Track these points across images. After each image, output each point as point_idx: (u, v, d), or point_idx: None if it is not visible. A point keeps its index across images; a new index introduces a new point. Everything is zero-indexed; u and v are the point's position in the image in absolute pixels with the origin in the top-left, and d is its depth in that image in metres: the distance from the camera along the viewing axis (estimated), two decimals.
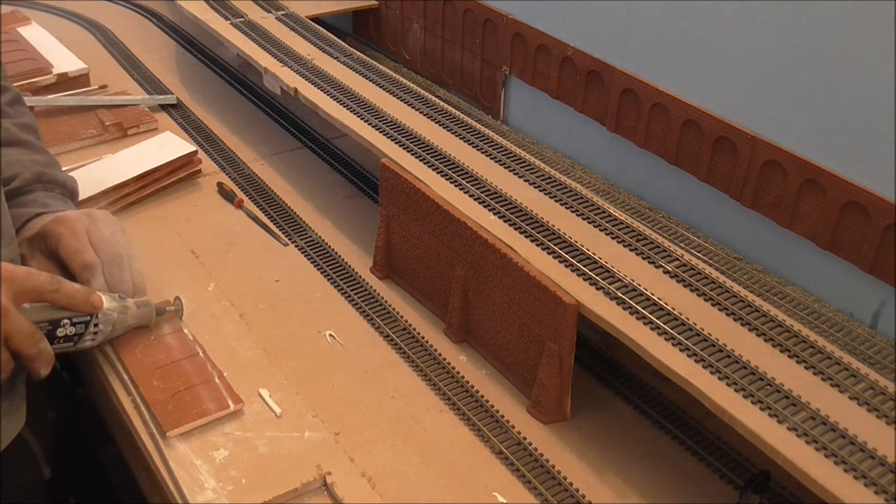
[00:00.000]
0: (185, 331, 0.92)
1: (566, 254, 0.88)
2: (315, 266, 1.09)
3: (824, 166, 0.92)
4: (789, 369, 0.75)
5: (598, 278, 0.85)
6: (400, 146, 1.07)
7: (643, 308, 0.81)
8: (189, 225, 1.15)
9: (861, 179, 0.89)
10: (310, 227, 1.16)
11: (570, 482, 0.79)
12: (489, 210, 0.95)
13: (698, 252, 1.02)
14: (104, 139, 1.33)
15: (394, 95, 1.21)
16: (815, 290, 0.98)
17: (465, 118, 1.16)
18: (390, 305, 1.02)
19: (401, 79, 1.27)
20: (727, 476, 0.81)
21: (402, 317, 1.01)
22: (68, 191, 0.99)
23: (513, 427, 0.86)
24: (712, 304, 0.83)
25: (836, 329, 0.91)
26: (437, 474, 0.80)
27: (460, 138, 1.11)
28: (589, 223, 0.94)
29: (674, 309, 0.81)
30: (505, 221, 0.93)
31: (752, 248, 1.04)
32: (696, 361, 0.76)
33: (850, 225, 0.91)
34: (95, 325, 0.83)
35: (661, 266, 0.88)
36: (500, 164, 1.05)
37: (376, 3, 1.64)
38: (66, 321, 0.81)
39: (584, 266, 0.87)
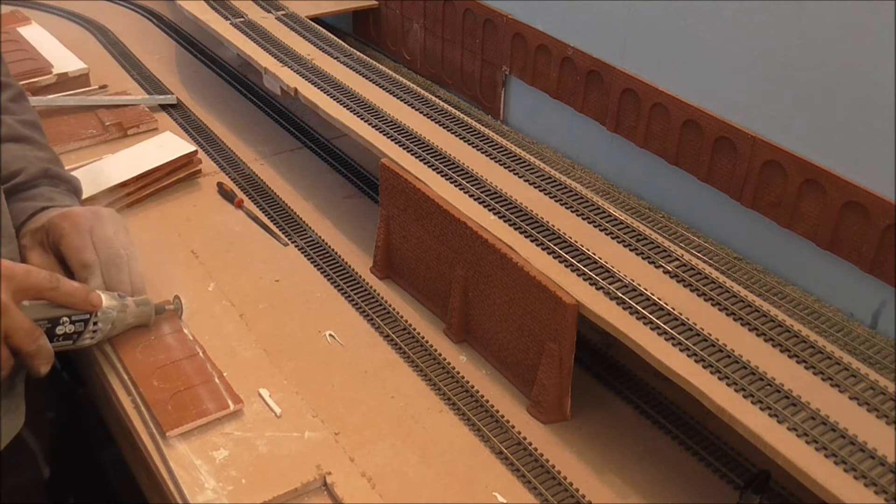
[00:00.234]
0: (185, 331, 0.92)
1: (566, 254, 0.88)
2: (315, 266, 1.09)
3: (824, 166, 0.92)
4: (789, 369, 0.75)
5: (598, 278, 0.85)
6: (400, 146, 1.07)
7: (643, 308, 0.81)
8: (189, 225, 1.15)
9: (861, 179, 0.89)
10: (310, 227, 1.16)
11: (570, 482, 0.79)
12: (489, 210, 0.95)
13: (698, 252, 1.02)
14: (104, 139, 1.33)
15: (394, 95, 1.21)
16: (815, 290, 0.98)
17: (465, 118, 1.16)
18: (390, 305, 1.02)
19: (401, 79, 1.27)
20: (727, 476, 0.81)
21: (402, 317, 1.01)
22: (73, 188, 0.99)
23: (513, 427, 0.86)
24: (712, 304, 0.83)
25: (836, 329, 0.91)
26: (437, 474, 0.80)
27: (460, 138, 1.11)
28: (589, 223, 0.94)
29: (674, 309, 0.81)
30: (505, 221, 0.93)
31: (752, 248, 1.04)
32: (696, 361, 0.76)
33: (850, 225, 0.91)
34: (95, 324, 0.83)
35: (661, 266, 0.88)
36: (500, 164, 1.05)
37: (376, 3, 1.64)
38: (65, 319, 0.81)
39: (584, 266, 0.87)
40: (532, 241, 0.91)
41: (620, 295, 0.83)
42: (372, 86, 1.24)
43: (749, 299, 0.83)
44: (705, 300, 0.83)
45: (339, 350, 0.95)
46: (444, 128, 1.13)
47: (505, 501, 0.78)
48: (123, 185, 1.16)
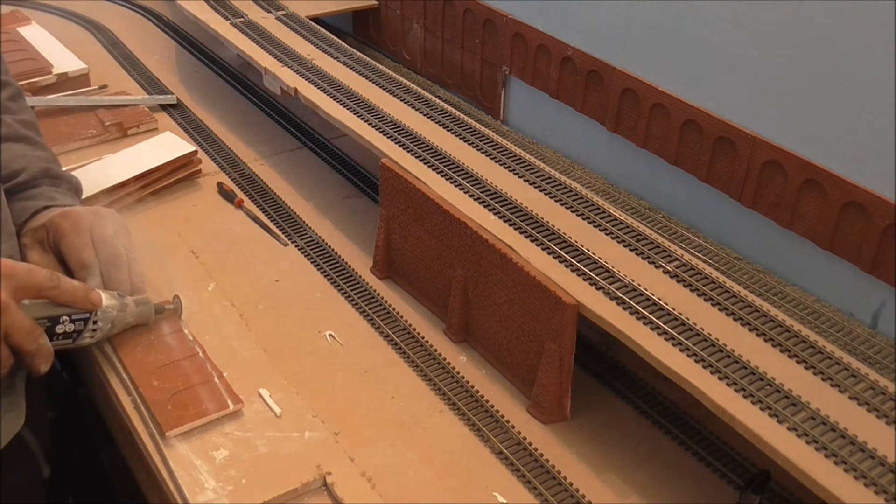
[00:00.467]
0: (185, 331, 0.92)
1: (566, 254, 0.88)
2: (315, 266, 1.09)
3: (824, 166, 0.92)
4: (789, 369, 0.75)
5: (598, 278, 0.85)
6: (400, 146, 1.07)
7: (643, 308, 0.81)
8: (189, 225, 1.15)
9: (861, 179, 0.89)
10: (310, 227, 1.16)
11: (570, 482, 0.79)
12: (489, 210, 0.95)
13: (698, 252, 1.02)
14: (104, 139, 1.33)
15: (394, 95, 1.21)
16: (815, 290, 0.98)
17: (465, 118, 1.16)
18: (390, 305, 1.02)
19: (401, 79, 1.27)
20: (727, 476, 0.81)
21: (402, 317, 1.01)
22: (74, 187, 0.99)
23: (513, 427, 0.86)
24: (712, 304, 0.83)
25: (836, 329, 0.91)
26: (437, 474, 0.80)
27: (460, 138, 1.11)
28: (589, 223, 0.94)
29: (674, 309, 0.81)
30: (505, 221, 0.93)
31: (752, 248, 1.04)
32: (696, 361, 0.76)
33: (850, 225, 0.91)
34: (94, 323, 0.83)
35: (661, 266, 0.88)
36: (500, 164, 1.05)
37: (376, 3, 1.64)
38: (65, 318, 0.81)
39: (584, 266, 0.87)
40: (532, 241, 0.91)
41: (620, 295, 0.83)
42: (372, 86, 1.24)
43: (749, 299, 0.83)
44: (705, 300, 0.83)
45: (339, 350, 0.95)
46: (444, 128, 1.13)
47: (505, 501, 0.78)
48: (123, 185, 1.16)
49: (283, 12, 1.53)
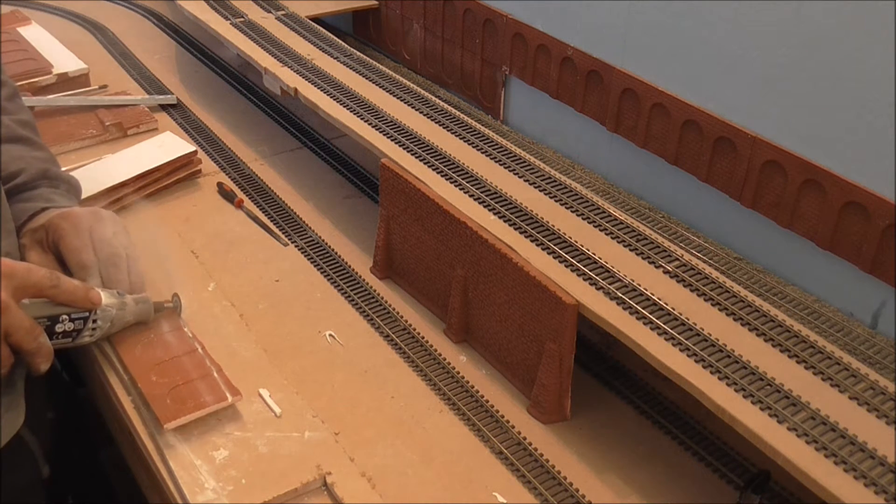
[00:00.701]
0: (185, 328, 0.92)
1: (566, 254, 0.88)
2: (315, 266, 1.09)
3: (824, 166, 0.92)
4: (789, 369, 0.75)
5: (598, 278, 0.85)
6: (400, 146, 1.07)
7: (643, 308, 0.81)
8: (189, 225, 1.15)
9: (861, 179, 0.89)
10: (310, 227, 1.16)
11: (570, 482, 0.79)
12: (489, 210, 0.95)
13: (698, 252, 1.02)
14: (104, 139, 1.33)
15: (394, 95, 1.21)
16: (815, 290, 0.98)
17: (465, 118, 1.16)
18: (390, 305, 1.02)
19: (401, 79, 1.27)
20: (727, 476, 0.81)
21: (402, 317, 1.01)
22: (73, 188, 0.99)
23: (513, 427, 0.86)
24: (712, 304, 0.83)
25: (836, 329, 0.91)
26: (437, 474, 0.80)
27: (460, 138, 1.11)
28: (589, 223, 0.94)
29: (674, 309, 0.81)
30: (505, 221, 0.93)
31: (752, 248, 1.04)
32: (696, 361, 0.76)
33: (850, 225, 0.91)
34: (94, 321, 0.84)
35: (661, 266, 0.88)
36: (500, 164, 1.05)
37: (376, 3, 1.64)
38: (64, 317, 0.81)
39: (584, 266, 0.87)
40: (532, 241, 0.91)
41: (620, 295, 0.83)
42: (372, 86, 1.24)
43: (749, 299, 0.83)
44: (705, 300, 0.83)
45: (339, 350, 0.95)
46: (444, 128, 1.13)
47: (505, 501, 0.78)
48: (123, 184, 1.16)
49: (283, 12, 1.53)
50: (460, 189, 0.99)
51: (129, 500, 1.03)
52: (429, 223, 0.98)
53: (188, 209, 1.19)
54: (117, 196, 1.15)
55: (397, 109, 1.17)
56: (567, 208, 0.97)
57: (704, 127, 1.04)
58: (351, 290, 1.04)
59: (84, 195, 1.07)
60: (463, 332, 0.97)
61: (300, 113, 1.46)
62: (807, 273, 0.99)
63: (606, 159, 1.23)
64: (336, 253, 1.11)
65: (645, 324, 0.80)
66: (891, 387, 0.74)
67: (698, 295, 0.84)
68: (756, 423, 0.70)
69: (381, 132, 1.10)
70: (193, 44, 1.72)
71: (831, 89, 0.90)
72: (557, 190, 1.00)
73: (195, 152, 1.24)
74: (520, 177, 1.03)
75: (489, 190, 0.99)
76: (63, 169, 1.01)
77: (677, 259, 0.89)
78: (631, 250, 0.90)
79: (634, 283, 0.84)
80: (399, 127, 1.12)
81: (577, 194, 0.99)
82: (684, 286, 0.85)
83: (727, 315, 0.81)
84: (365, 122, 1.13)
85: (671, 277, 0.86)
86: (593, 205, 0.98)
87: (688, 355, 0.76)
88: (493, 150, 1.08)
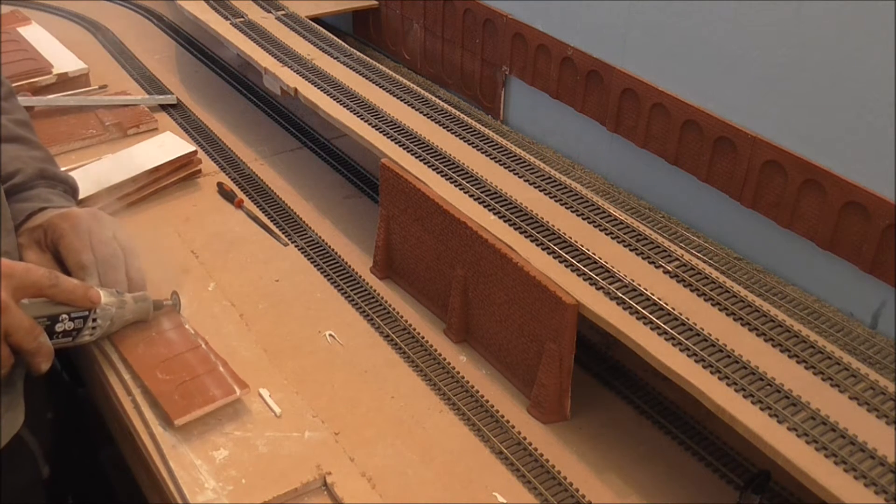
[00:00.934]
0: (186, 325, 0.92)
1: (566, 254, 0.88)
2: (315, 266, 1.09)
3: (824, 166, 0.92)
4: (789, 369, 0.75)
5: (598, 278, 0.85)
6: (400, 146, 1.07)
7: (643, 308, 0.81)
8: (189, 225, 1.15)
9: (861, 179, 0.89)
10: (310, 227, 1.16)
11: (570, 482, 0.79)
12: (489, 210, 0.95)
13: (698, 252, 1.02)
14: (104, 139, 1.33)
15: (394, 95, 1.21)
16: (815, 290, 0.98)
17: (465, 118, 1.16)
18: (390, 305, 1.02)
19: (401, 79, 1.27)
20: (727, 476, 0.81)
21: (402, 317, 1.01)
22: (70, 188, 0.99)
23: (513, 427, 0.86)
24: (712, 304, 0.83)
25: (836, 329, 0.91)
26: (437, 474, 0.80)
27: (460, 138, 1.11)
28: (589, 223, 0.94)
29: (674, 309, 0.81)
30: (505, 221, 0.93)
31: (752, 248, 1.04)
32: (696, 361, 0.76)
33: (850, 225, 0.91)
34: (94, 320, 0.84)
35: (661, 266, 0.88)
36: (500, 164, 1.05)
37: (376, 3, 1.64)
38: (64, 316, 0.81)
39: (584, 266, 0.87)
40: (532, 241, 0.91)
41: (620, 295, 0.83)
42: (372, 86, 1.24)
43: (749, 299, 0.83)
44: (705, 300, 0.83)
45: (339, 350, 0.95)
46: (444, 128, 1.13)
47: (505, 501, 0.78)
48: (123, 184, 1.16)
49: (283, 12, 1.53)
50: (460, 189, 0.99)
51: (129, 500, 1.03)
52: (429, 223, 0.98)
53: (188, 209, 1.19)
54: (117, 196, 1.15)
55: (397, 109, 1.17)
56: (567, 208, 0.97)
57: (704, 127, 1.04)
58: (351, 290, 1.04)
59: (84, 195, 1.07)
60: (463, 332, 0.97)
61: (300, 113, 1.46)
62: (807, 273, 0.99)
63: (606, 159, 1.23)
64: (336, 253, 1.11)
65: (645, 324, 0.80)
66: (891, 387, 0.74)
67: (698, 295, 0.84)
68: (756, 423, 0.70)
69: (381, 132, 1.10)
70: (193, 44, 1.72)
71: (831, 89, 0.90)
72: (557, 190, 1.00)
73: (195, 152, 1.24)
74: (520, 177, 1.03)
75: (489, 190, 0.99)
76: (63, 169, 1.01)
77: (677, 259, 0.89)
78: (631, 250, 0.90)
79: (634, 283, 0.84)
80: (399, 127, 1.12)
81: (577, 194, 0.99)
82: (684, 286, 0.85)
83: (727, 315, 0.81)
84: (365, 122, 1.13)
85: (671, 277, 0.86)
86: (593, 205, 0.98)
87: (688, 355, 0.76)
88: (493, 150, 1.08)
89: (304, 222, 1.17)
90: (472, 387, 0.91)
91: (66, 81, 1.45)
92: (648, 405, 0.89)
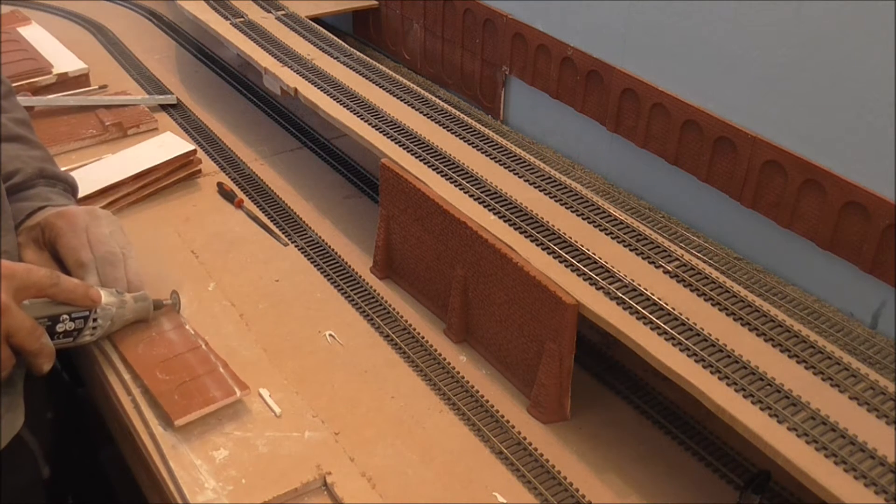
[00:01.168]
0: (186, 325, 0.92)
1: (566, 254, 0.88)
2: (315, 266, 1.09)
3: (824, 166, 0.92)
4: (789, 369, 0.75)
5: (598, 278, 0.85)
6: (400, 146, 1.07)
7: (643, 308, 0.81)
8: (189, 225, 1.15)
9: (861, 179, 0.89)
10: (310, 227, 1.16)
11: (570, 482, 0.79)
12: (489, 210, 0.95)
13: (698, 252, 1.02)
14: (104, 139, 1.33)
15: (394, 95, 1.21)
16: (815, 290, 0.98)
17: (465, 118, 1.16)
18: (390, 305, 1.02)
19: (401, 79, 1.27)
20: (727, 476, 0.81)
21: (402, 317, 1.01)
22: (70, 187, 0.99)
23: (513, 427, 0.86)
24: (712, 304, 0.83)
25: (836, 329, 0.91)
26: (437, 474, 0.80)
27: (460, 138, 1.11)
28: (589, 223, 0.94)
29: (674, 309, 0.81)
30: (505, 221, 0.93)
31: (752, 248, 1.04)
32: (696, 361, 0.76)
33: (850, 225, 0.91)
34: (94, 320, 0.84)
35: (661, 266, 0.88)
36: (500, 164, 1.05)
37: (376, 3, 1.64)
38: (65, 316, 0.81)
39: (584, 266, 0.87)
40: (532, 241, 0.91)
41: (620, 295, 0.83)
42: (372, 86, 1.24)
43: (749, 299, 0.83)
44: (705, 300, 0.83)
45: (339, 350, 0.95)
46: (444, 128, 1.13)
47: (505, 501, 0.78)
48: (123, 184, 1.16)
49: (283, 12, 1.53)
50: (460, 189, 0.99)
51: (129, 500, 1.02)
52: (429, 223, 0.98)
53: (188, 209, 1.19)
54: (117, 196, 1.15)
55: (397, 109, 1.17)
56: (567, 208, 0.97)
57: (704, 127, 1.04)
58: (351, 290, 1.04)
59: (84, 195, 1.07)
60: (463, 332, 0.97)
61: (300, 113, 1.46)
62: (807, 273, 0.99)
63: (606, 159, 1.23)
64: (336, 253, 1.11)
65: (645, 324, 0.80)
66: (891, 387, 0.74)
67: (698, 295, 0.84)
68: (756, 423, 0.70)
69: (381, 132, 1.10)
70: (193, 44, 1.72)
71: (831, 89, 0.90)
72: (557, 190, 1.00)
73: (195, 152, 1.24)
74: (520, 177, 1.03)
75: (489, 190, 0.99)
76: (63, 169, 1.01)
77: (677, 259, 0.89)
78: (631, 250, 0.90)
79: (634, 283, 0.84)
80: (399, 127, 1.12)
81: (577, 194, 0.99)
82: (684, 286, 0.85)
83: (727, 315, 0.81)
84: (365, 122, 1.13)
85: (671, 277, 0.86)
86: (593, 205, 0.98)
87: (688, 355, 0.76)
88: (493, 150, 1.08)
89: (304, 222, 1.17)
90: (472, 387, 0.91)
91: (66, 81, 1.45)
92: (648, 405, 0.89)
